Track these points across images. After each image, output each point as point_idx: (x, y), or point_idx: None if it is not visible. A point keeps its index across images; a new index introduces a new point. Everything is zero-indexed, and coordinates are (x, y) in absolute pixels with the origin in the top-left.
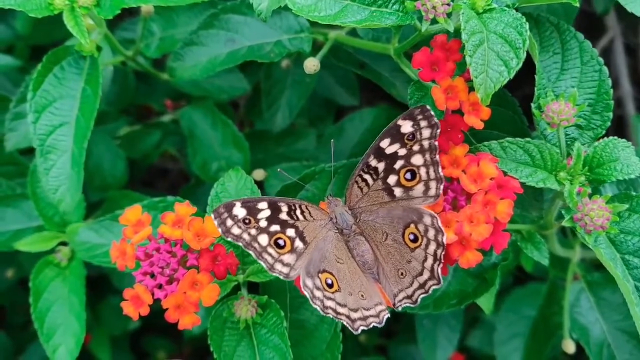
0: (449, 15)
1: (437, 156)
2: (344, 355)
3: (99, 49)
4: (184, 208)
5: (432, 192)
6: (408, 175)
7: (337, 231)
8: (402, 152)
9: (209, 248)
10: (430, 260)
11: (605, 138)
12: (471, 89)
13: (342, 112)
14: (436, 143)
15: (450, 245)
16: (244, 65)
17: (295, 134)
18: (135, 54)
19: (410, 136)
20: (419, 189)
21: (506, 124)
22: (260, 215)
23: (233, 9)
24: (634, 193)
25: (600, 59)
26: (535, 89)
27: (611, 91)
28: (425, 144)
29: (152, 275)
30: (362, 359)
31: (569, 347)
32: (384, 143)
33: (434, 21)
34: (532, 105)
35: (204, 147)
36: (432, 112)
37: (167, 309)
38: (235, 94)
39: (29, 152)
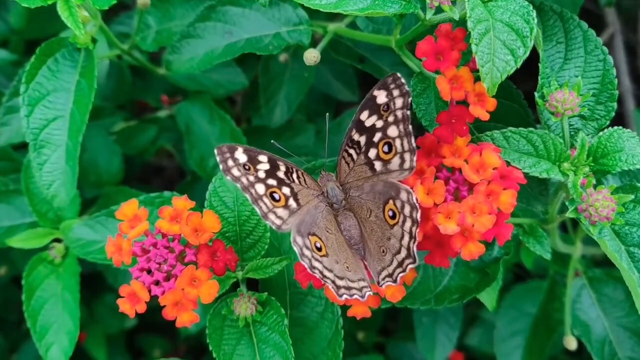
0: (453, 3)
1: (410, 126)
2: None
3: (94, 41)
4: (181, 202)
5: (407, 164)
6: (385, 148)
7: (327, 204)
8: (380, 124)
9: (208, 243)
10: (406, 237)
11: (610, 128)
12: (477, 79)
13: (341, 108)
14: (408, 112)
15: (452, 236)
16: (241, 60)
17: (293, 130)
18: (132, 48)
19: (385, 107)
20: (396, 161)
21: (511, 117)
22: (259, 167)
23: (231, 0)
24: (639, 184)
25: (605, 48)
26: (539, 78)
27: (615, 81)
28: (399, 114)
29: (149, 272)
30: (360, 357)
31: (571, 343)
32: (364, 116)
33: (438, 9)
34: (536, 94)
35: (201, 143)
36: (404, 80)
37: (164, 306)
38: (232, 89)
39: (23, 147)
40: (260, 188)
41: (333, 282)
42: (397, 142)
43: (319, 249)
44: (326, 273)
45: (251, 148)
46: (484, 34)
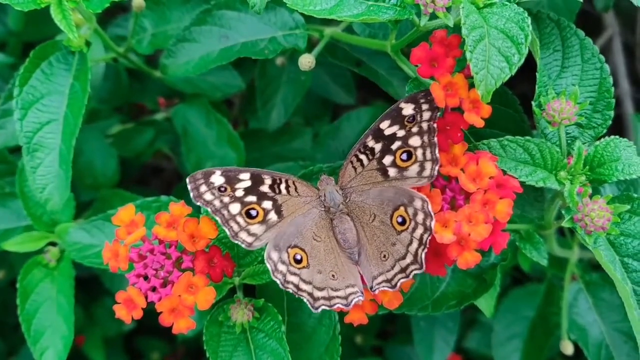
0: (448, 9)
1: (435, 138)
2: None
3: (88, 44)
4: (178, 208)
5: (427, 172)
6: (404, 156)
7: (322, 209)
8: (401, 133)
9: (205, 250)
10: (415, 244)
11: (607, 137)
12: (471, 85)
13: (338, 111)
14: (435, 125)
15: (448, 245)
16: (238, 63)
17: (290, 133)
18: (127, 51)
19: (411, 118)
20: (414, 169)
21: (507, 122)
22: (238, 185)
23: (227, 4)
24: (635, 195)
25: (602, 57)
26: (536, 86)
27: (612, 89)
28: (425, 125)
29: (146, 278)
30: None
31: (567, 348)
32: (384, 124)
33: (432, 16)
34: (533, 103)
35: (198, 146)
36: (434, 96)
37: (161, 312)
38: (229, 92)
39: (20, 150)
40: (234, 207)
41: (310, 294)
42: (419, 152)
43: (299, 262)
44: (302, 286)
45: (231, 168)
46: (478, 40)
